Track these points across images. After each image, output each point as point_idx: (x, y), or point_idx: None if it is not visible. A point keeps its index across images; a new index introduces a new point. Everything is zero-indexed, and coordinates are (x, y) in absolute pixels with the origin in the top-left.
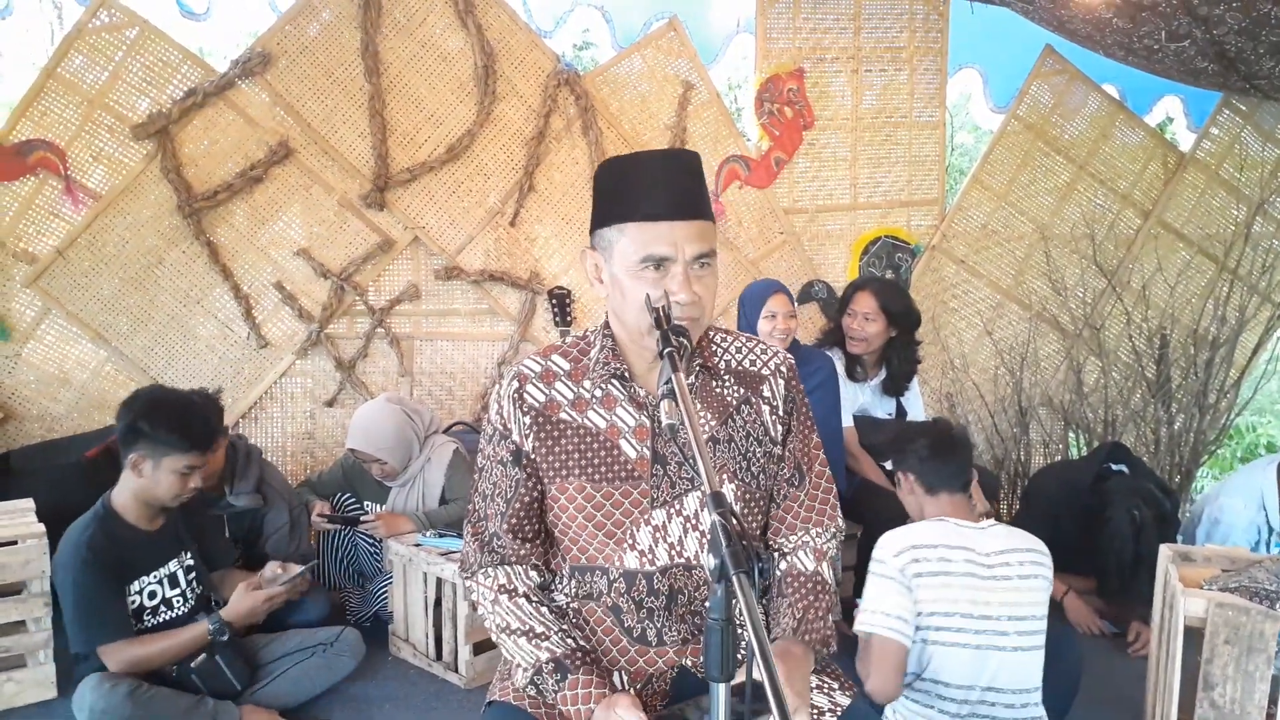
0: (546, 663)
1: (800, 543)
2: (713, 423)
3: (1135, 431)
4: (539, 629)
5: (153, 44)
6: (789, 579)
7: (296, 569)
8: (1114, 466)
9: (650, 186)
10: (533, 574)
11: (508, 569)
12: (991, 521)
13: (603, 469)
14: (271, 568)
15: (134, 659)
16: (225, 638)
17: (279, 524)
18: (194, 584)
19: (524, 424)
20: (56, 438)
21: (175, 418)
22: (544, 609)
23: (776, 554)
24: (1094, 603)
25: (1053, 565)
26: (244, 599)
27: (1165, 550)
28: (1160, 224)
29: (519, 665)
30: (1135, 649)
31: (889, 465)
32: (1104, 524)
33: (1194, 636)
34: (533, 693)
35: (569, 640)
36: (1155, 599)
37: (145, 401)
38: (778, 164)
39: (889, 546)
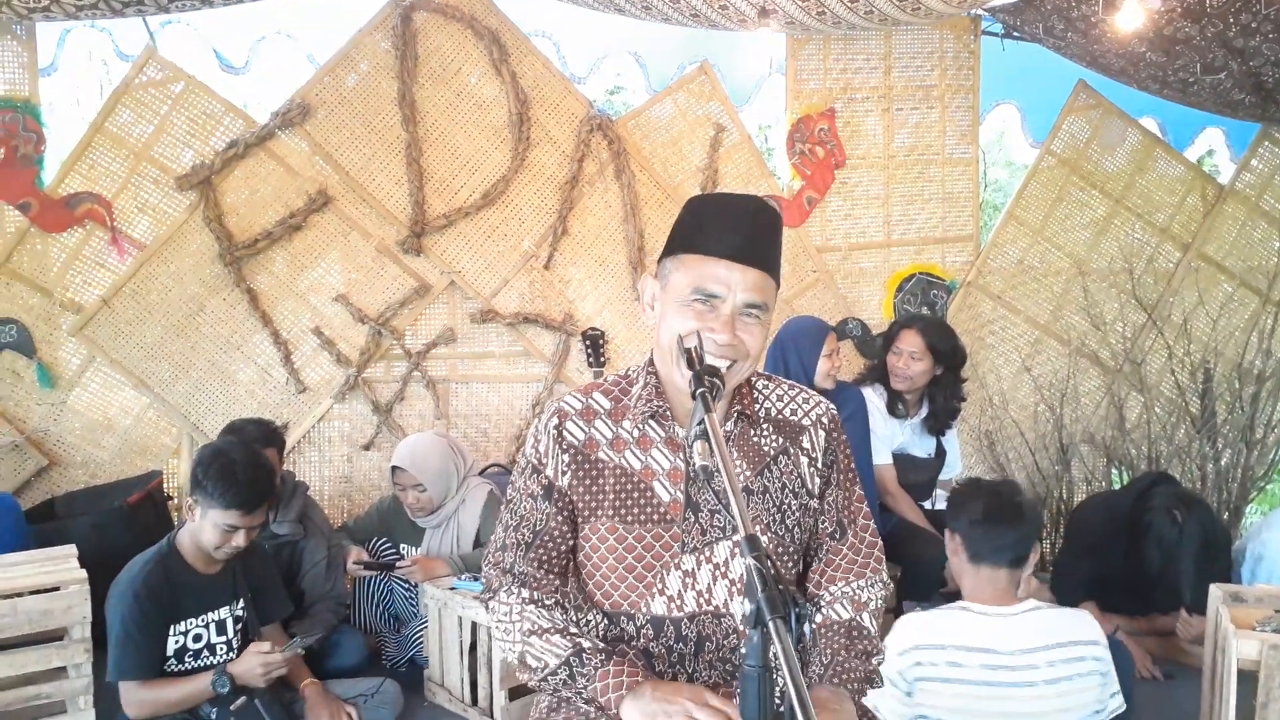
0: (587, 649)
1: (839, 594)
2: (747, 473)
3: (1181, 468)
4: (573, 629)
5: (197, 97)
6: (823, 629)
7: (298, 642)
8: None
9: (722, 226)
10: (557, 603)
11: (531, 590)
12: (1030, 604)
13: (635, 510)
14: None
15: (145, 701)
16: (227, 690)
17: (316, 559)
18: (241, 634)
19: (563, 461)
20: (99, 484)
21: (226, 474)
22: (573, 621)
23: (813, 607)
24: (1146, 644)
25: (1101, 611)
26: (248, 658)
27: (1216, 590)
28: (1200, 257)
29: (551, 658)
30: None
31: (927, 504)
32: (1145, 531)
33: (1248, 679)
34: (561, 679)
35: (600, 642)
36: (1206, 641)
37: (212, 451)
38: (810, 203)
39: (897, 640)
